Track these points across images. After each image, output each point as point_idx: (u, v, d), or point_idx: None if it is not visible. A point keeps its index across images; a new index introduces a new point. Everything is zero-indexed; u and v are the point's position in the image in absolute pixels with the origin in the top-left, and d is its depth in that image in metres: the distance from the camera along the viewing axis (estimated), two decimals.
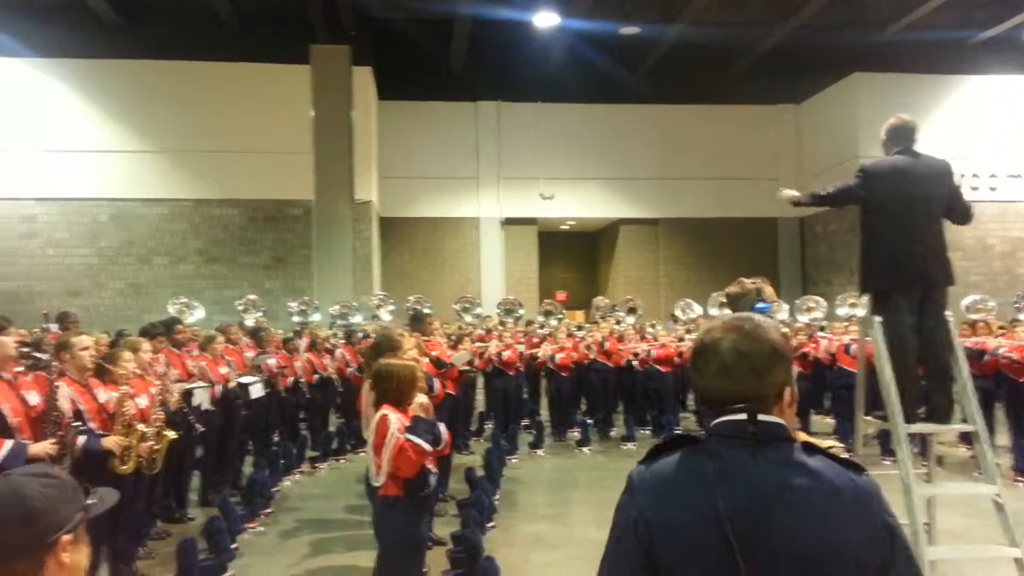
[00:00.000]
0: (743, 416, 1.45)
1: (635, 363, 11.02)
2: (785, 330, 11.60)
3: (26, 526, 1.39)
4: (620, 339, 11.45)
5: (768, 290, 3.77)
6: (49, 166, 15.04)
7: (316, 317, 12.31)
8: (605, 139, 18.41)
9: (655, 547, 1.43)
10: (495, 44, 16.40)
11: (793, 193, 4.78)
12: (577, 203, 18.71)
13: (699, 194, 18.62)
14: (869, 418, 4.72)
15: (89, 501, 1.48)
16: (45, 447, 4.01)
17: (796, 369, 3.44)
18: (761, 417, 1.45)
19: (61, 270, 15.13)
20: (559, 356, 10.74)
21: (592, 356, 11.04)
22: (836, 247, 17.84)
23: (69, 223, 15.19)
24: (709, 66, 17.69)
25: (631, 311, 12.72)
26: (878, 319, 4.35)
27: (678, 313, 13.28)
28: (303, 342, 10.30)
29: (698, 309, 13.11)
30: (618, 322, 12.24)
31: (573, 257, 21.87)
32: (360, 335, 10.86)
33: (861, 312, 11.24)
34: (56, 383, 4.31)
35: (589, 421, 10.83)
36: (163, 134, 15.43)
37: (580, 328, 12.56)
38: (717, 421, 1.49)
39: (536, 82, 17.52)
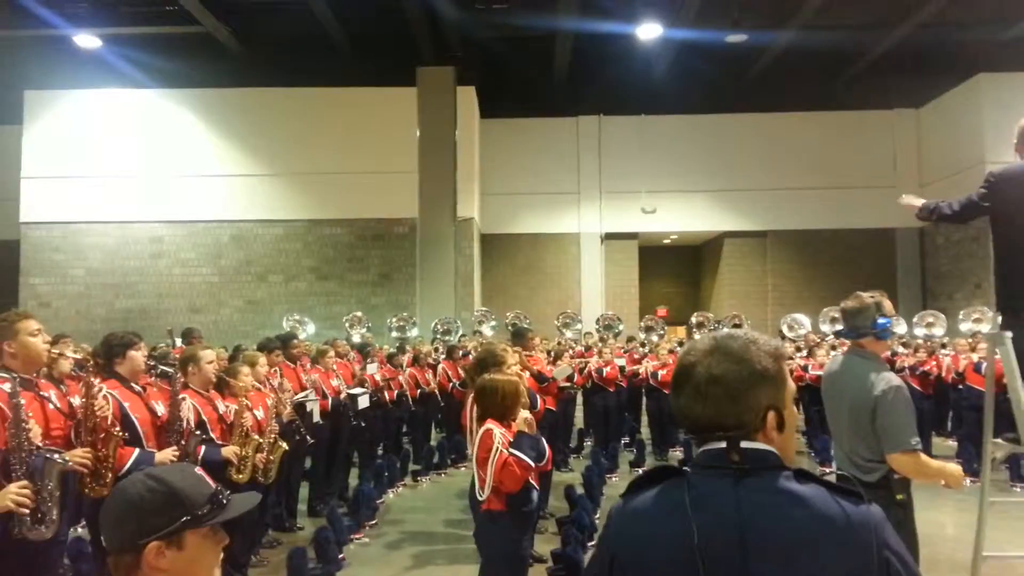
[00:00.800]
0: (723, 444, 1.38)
1: None
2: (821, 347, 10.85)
3: (120, 525, 1.48)
4: None
5: (887, 305, 3.57)
6: (176, 190, 16.08)
7: (414, 332, 12.59)
8: (710, 150, 18.06)
9: None
10: (596, 58, 16.44)
11: (915, 201, 4.52)
12: (680, 216, 18.41)
13: (810, 204, 17.96)
14: (999, 441, 4.40)
15: (199, 512, 1.50)
16: (168, 455, 4.25)
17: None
18: (746, 444, 1.37)
19: (185, 288, 16.10)
20: (661, 373, 10.54)
21: None
22: (959, 258, 16.78)
23: (194, 244, 16.17)
24: (822, 71, 17.10)
25: (736, 327, 12.34)
26: (1008, 334, 4.06)
27: (784, 330, 12.81)
28: (406, 357, 10.54)
29: (807, 325, 12.61)
30: None
31: (675, 271, 21.49)
32: (460, 353, 11.02)
33: (986, 328, 10.52)
34: (180, 394, 4.57)
35: (692, 440, 10.56)
36: (280, 158, 16.22)
37: (682, 344, 12.30)
38: (699, 451, 1.42)
39: (638, 94, 17.40)
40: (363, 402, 8.01)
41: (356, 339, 11.32)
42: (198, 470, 1.60)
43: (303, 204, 16.24)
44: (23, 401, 3.19)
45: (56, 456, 3.20)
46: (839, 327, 12.31)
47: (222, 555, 1.59)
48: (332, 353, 8.13)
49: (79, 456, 3.46)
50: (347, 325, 12.37)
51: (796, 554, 1.29)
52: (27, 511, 2.94)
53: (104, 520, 1.52)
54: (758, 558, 1.30)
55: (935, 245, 17.91)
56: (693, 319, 12.88)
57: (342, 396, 7.68)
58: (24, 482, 3.01)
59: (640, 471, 9.27)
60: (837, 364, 3.70)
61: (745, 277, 18.54)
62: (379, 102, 16.13)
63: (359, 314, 12.79)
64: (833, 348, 10.87)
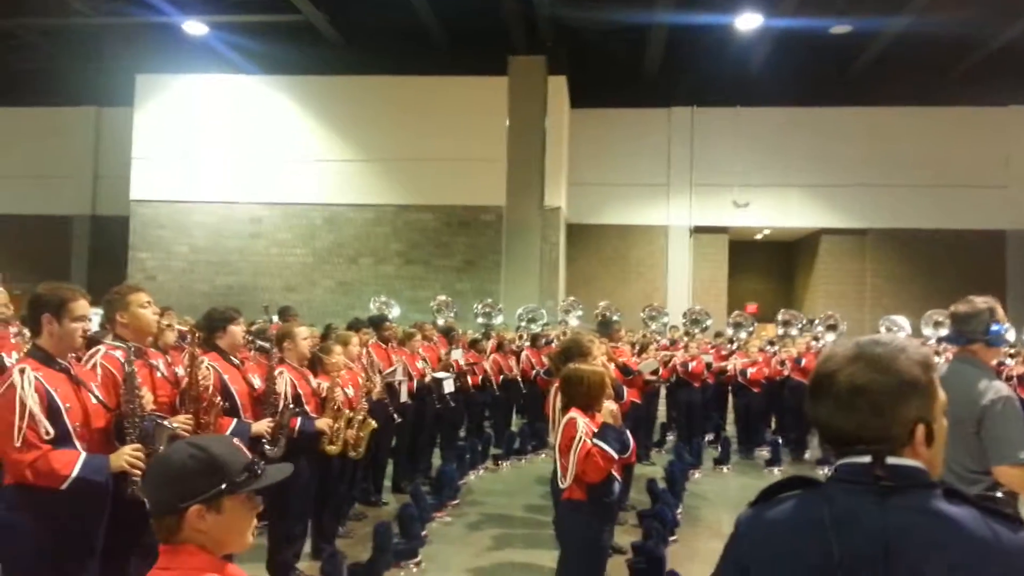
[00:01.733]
0: (867, 459, 1.29)
1: None
2: (933, 354, 10.07)
3: (164, 488, 1.59)
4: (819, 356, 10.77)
5: (1000, 311, 3.39)
6: (274, 173, 16.66)
7: (499, 320, 12.66)
8: (808, 144, 17.41)
9: None
10: (692, 48, 16.08)
11: None
12: (774, 211, 17.86)
13: (914, 203, 17.11)
14: None
15: (238, 479, 1.59)
16: (263, 426, 4.43)
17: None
18: (892, 460, 1.28)
19: (281, 267, 16.69)
20: (750, 370, 10.30)
21: (786, 373, 10.48)
22: None
23: (290, 225, 16.73)
24: (931, 64, 16.23)
25: (831, 327, 11.91)
26: None
27: (883, 332, 12.25)
28: (490, 343, 10.61)
29: (907, 328, 12.04)
30: (816, 338, 11.51)
31: (767, 268, 20.89)
32: (543, 341, 11.03)
33: None
34: (277, 369, 4.75)
35: (780, 440, 10.29)
36: (373, 144, 16.57)
37: (772, 343, 11.95)
38: (839, 463, 1.34)
39: (734, 86, 16.95)
40: (448, 386, 8.14)
41: (441, 323, 11.48)
42: (236, 441, 1.70)
43: (393, 189, 16.55)
44: (136, 369, 3.36)
45: (165, 422, 3.37)
46: (943, 332, 11.72)
47: (255, 520, 1.69)
48: (419, 336, 8.28)
49: (181, 422, 3.63)
50: (434, 309, 12.54)
51: None
52: (139, 472, 3.10)
53: (150, 485, 1.65)
54: None
55: None
56: (780, 317, 12.44)
57: (427, 379, 7.83)
58: (137, 444, 3.17)
59: (725, 469, 9.11)
60: (944, 371, 3.54)
61: (842, 276, 17.84)
62: (471, 90, 16.26)
63: (445, 298, 12.95)
64: (937, 354, 10.35)
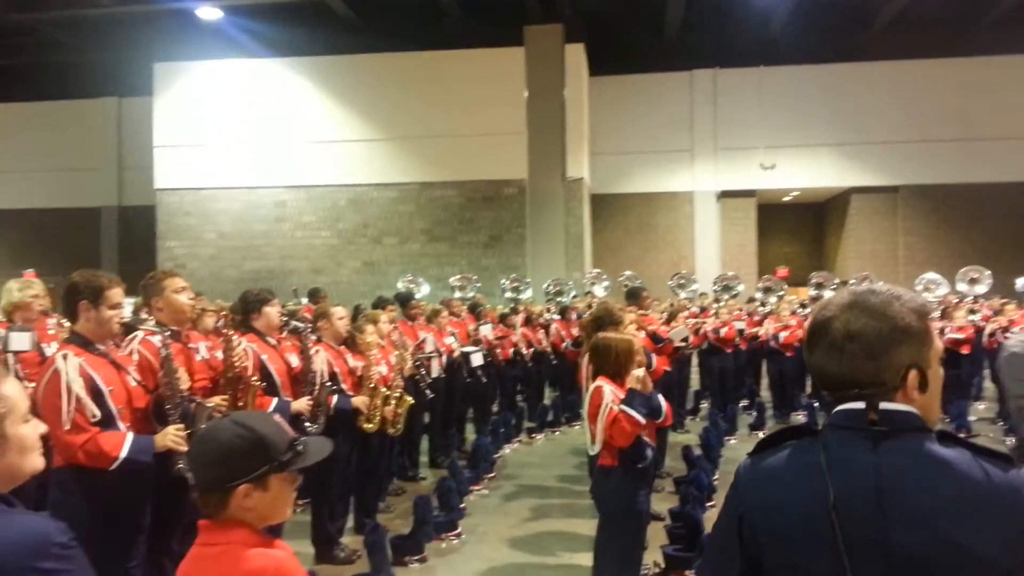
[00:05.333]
0: (862, 404, 1.31)
1: None
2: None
3: (212, 467, 1.61)
4: None
5: None
6: (296, 156, 16.69)
7: (528, 294, 12.63)
8: (834, 102, 17.07)
9: (759, 546, 1.34)
10: (712, 8, 15.78)
11: None
12: (802, 172, 17.58)
13: (946, 158, 16.74)
14: None
15: (284, 458, 1.62)
16: (303, 404, 4.49)
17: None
18: (885, 405, 1.29)
19: (307, 250, 16.80)
20: (783, 335, 10.20)
21: None
22: None
23: (314, 208, 16.81)
24: (960, 14, 15.78)
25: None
26: None
27: (919, 290, 12.06)
28: (519, 318, 10.60)
29: (946, 286, 11.84)
30: None
31: (796, 230, 20.64)
32: (574, 315, 11.00)
33: None
34: (314, 348, 4.80)
35: (815, 404, 10.20)
36: (393, 122, 16.52)
37: (804, 306, 11.82)
38: (836, 410, 1.36)
39: (756, 45, 16.62)
40: (476, 360, 8.17)
41: (458, 297, 11.48)
42: (277, 418, 1.71)
43: (415, 167, 16.52)
44: (172, 352, 3.41)
45: (204, 402, 3.43)
46: (978, 288, 11.52)
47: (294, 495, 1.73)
48: (446, 312, 8.31)
49: (218, 402, 3.69)
50: (456, 286, 12.53)
51: (939, 521, 1.23)
52: (184, 450, 3.16)
53: (196, 462, 1.66)
54: (898, 525, 1.24)
55: None
56: (813, 279, 12.29)
57: (456, 355, 7.86)
58: (181, 424, 3.25)
59: (760, 435, 9.07)
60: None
61: (874, 235, 17.55)
62: (488, 63, 16.11)
63: (465, 274, 12.97)
64: (972, 312, 10.17)
